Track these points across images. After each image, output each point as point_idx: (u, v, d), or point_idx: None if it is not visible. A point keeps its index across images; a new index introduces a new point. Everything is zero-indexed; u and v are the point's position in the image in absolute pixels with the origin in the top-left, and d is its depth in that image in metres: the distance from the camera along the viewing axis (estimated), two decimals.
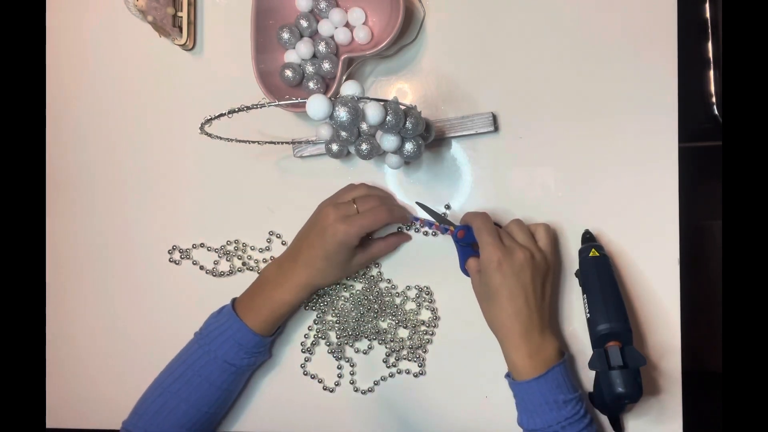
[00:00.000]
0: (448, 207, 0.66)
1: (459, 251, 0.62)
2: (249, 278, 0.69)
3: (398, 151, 0.58)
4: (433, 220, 0.64)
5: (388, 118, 0.53)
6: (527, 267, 0.56)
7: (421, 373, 0.65)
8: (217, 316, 0.64)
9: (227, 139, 0.61)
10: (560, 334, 0.62)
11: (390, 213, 0.61)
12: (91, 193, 0.75)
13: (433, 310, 0.66)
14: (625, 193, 0.62)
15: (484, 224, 0.59)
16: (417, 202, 0.66)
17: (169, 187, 0.73)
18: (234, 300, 0.65)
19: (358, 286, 0.67)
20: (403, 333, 0.66)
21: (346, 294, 0.67)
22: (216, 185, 0.71)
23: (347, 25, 0.67)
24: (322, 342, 0.68)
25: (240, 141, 0.63)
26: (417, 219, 0.65)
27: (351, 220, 0.59)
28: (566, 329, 0.62)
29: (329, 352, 0.67)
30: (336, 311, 0.67)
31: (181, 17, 0.70)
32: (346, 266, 0.63)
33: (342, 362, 0.67)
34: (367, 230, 0.60)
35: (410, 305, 0.66)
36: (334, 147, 0.62)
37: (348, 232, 0.59)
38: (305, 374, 0.68)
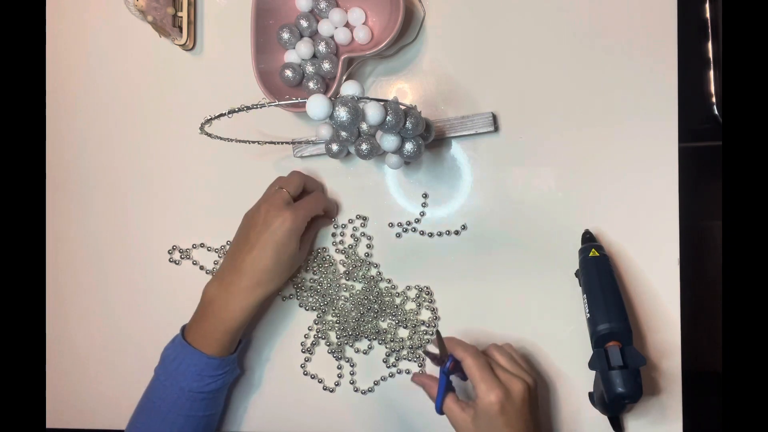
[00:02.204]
0: (425, 196, 0.66)
1: (441, 384, 0.56)
2: None
3: (398, 151, 0.58)
4: (436, 351, 0.57)
5: (388, 118, 0.53)
6: (527, 400, 0.53)
7: (421, 373, 0.65)
8: (172, 348, 0.61)
9: (227, 139, 0.61)
10: (560, 335, 0.62)
11: (324, 197, 0.61)
12: (91, 193, 0.75)
13: (433, 310, 0.66)
14: (625, 193, 0.62)
15: (476, 359, 0.53)
16: (436, 330, 0.62)
17: (169, 187, 0.73)
18: (184, 327, 0.62)
19: (358, 286, 0.67)
20: (403, 333, 0.66)
21: (346, 294, 0.67)
22: (216, 185, 0.71)
23: (347, 25, 0.67)
24: (322, 342, 0.68)
25: (240, 141, 0.63)
26: (427, 353, 0.59)
27: (293, 205, 0.58)
28: (566, 329, 0.62)
29: (329, 352, 0.67)
30: (336, 311, 0.67)
31: (181, 17, 0.70)
32: (294, 260, 0.61)
33: (342, 362, 0.67)
34: (312, 213, 0.59)
35: (410, 305, 0.66)
36: (334, 147, 0.62)
37: (295, 216, 0.58)
38: (305, 374, 0.68)
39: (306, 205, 0.58)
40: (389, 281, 0.67)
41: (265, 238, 0.58)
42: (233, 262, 0.60)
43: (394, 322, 0.66)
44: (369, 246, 0.67)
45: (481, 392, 0.52)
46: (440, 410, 0.56)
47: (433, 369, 0.63)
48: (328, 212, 0.66)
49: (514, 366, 0.55)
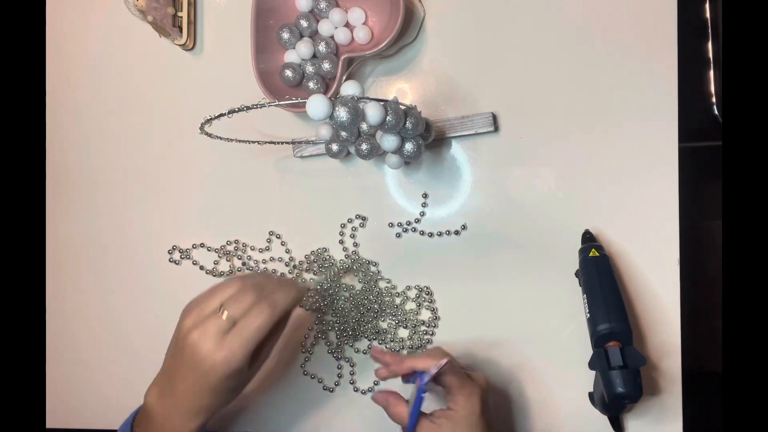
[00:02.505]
0: (425, 196, 0.66)
1: (417, 403, 0.51)
2: None
3: (398, 151, 0.58)
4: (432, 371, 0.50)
5: (388, 118, 0.53)
6: (489, 391, 0.53)
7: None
8: None
9: (227, 139, 0.61)
10: (560, 335, 0.62)
11: (273, 307, 0.48)
12: (91, 193, 0.75)
13: (433, 310, 0.65)
14: (625, 193, 0.62)
15: (453, 367, 0.51)
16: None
17: (169, 187, 0.73)
18: (136, 413, 0.54)
19: (358, 286, 0.67)
20: (403, 333, 0.66)
21: (346, 294, 0.67)
22: (216, 185, 0.71)
23: (347, 25, 0.67)
24: (322, 342, 0.68)
25: (240, 141, 0.63)
26: (422, 374, 0.51)
27: (228, 340, 0.47)
28: (566, 329, 0.62)
29: (329, 352, 0.67)
30: (336, 311, 0.67)
31: (181, 17, 0.70)
32: (242, 385, 0.52)
33: (342, 362, 0.67)
34: (254, 343, 0.47)
35: (410, 305, 0.66)
36: (334, 147, 0.62)
37: (230, 360, 0.47)
38: (305, 374, 0.68)
39: (244, 336, 0.47)
40: (389, 281, 0.67)
41: (200, 380, 0.48)
42: (168, 380, 0.51)
43: (394, 322, 0.66)
44: (369, 246, 0.67)
45: (461, 399, 0.50)
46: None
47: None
48: (290, 304, 0.51)
49: (465, 366, 0.56)
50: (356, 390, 0.67)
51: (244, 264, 0.70)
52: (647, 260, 0.61)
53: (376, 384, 0.66)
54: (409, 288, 0.66)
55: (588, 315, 0.56)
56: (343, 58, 0.63)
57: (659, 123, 0.61)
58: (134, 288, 0.73)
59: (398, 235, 0.67)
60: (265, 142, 0.65)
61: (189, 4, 0.71)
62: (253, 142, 0.64)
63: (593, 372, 0.56)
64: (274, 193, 0.70)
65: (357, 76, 0.68)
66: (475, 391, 0.51)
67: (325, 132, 0.60)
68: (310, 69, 0.66)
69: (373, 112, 0.52)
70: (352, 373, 0.67)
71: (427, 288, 0.66)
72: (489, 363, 0.63)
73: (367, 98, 0.52)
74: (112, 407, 0.73)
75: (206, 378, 0.47)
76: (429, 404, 0.52)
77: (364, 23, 0.66)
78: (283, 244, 0.69)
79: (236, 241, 0.70)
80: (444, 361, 0.50)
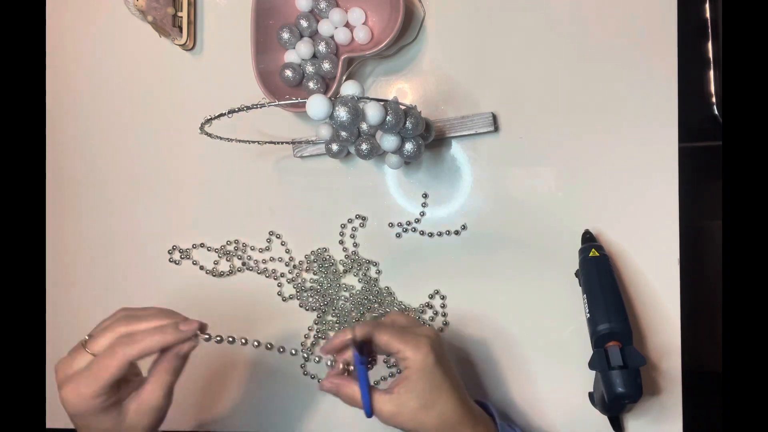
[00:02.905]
0: (425, 196, 0.66)
1: (362, 379, 0.48)
2: (249, 278, 0.69)
3: (398, 151, 0.58)
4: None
5: (388, 118, 0.53)
6: (442, 342, 0.50)
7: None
8: None
9: (227, 139, 0.61)
10: (560, 335, 0.62)
11: (130, 344, 0.42)
12: (91, 193, 0.75)
13: (434, 310, 0.65)
14: (625, 193, 0.62)
15: (386, 327, 0.48)
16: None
17: (169, 187, 0.73)
18: None
19: (358, 287, 0.67)
20: None
21: (346, 294, 0.67)
22: (216, 185, 0.71)
23: (347, 25, 0.67)
24: (322, 342, 0.68)
25: (240, 141, 0.63)
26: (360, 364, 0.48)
27: (75, 378, 0.42)
28: (566, 329, 0.62)
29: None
30: (336, 311, 0.67)
31: (181, 17, 0.70)
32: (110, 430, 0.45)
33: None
34: (103, 382, 0.42)
35: (411, 305, 0.66)
36: (334, 147, 0.62)
37: (73, 400, 0.42)
38: (305, 374, 0.68)
39: (89, 374, 0.42)
40: (389, 281, 0.67)
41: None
42: None
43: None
44: (369, 246, 0.67)
45: (409, 353, 0.47)
46: (371, 411, 0.48)
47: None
48: (157, 344, 0.45)
49: (412, 320, 0.53)
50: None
51: (244, 264, 0.70)
52: (647, 260, 0.61)
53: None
54: (409, 288, 0.66)
55: (588, 315, 0.56)
56: (343, 58, 0.63)
57: (659, 123, 0.61)
58: (134, 288, 0.73)
59: (398, 235, 0.67)
60: (265, 142, 0.65)
61: (189, 4, 0.71)
62: (253, 142, 0.64)
63: (593, 372, 0.56)
64: (274, 193, 0.70)
65: (357, 76, 0.68)
66: (421, 340, 0.48)
67: (325, 132, 0.60)
68: (310, 69, 0.66)
69: (373, 112, 0.52)
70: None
71: (427, 288, 0.65)
72: (488, 362, 0.63)
73: (367, 98, 0.52)
74: None
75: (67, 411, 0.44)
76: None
77: (364, 23, 0.66)
78: (283, 244, 0.69)
79: (236, 241, 0.70)
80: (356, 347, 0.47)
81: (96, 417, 0.43)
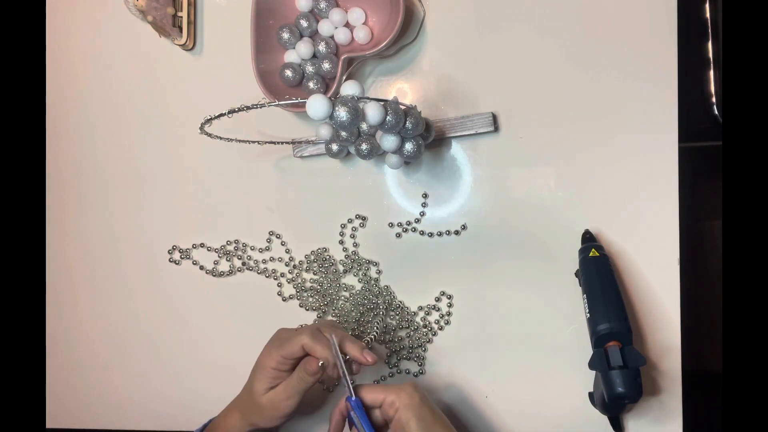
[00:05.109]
0: (425, 196, 0.66)
1: (363, 422, 0.52)
2: (249, 278, 0.69)
3: (398, 151, 0.58)
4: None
5: (388, 118, 0.53)
6: (419, 386, 0.53)
7: (421, 373, 0.65)
8: None
9: (227, 139, 0.61)
10: (560, 335, 0.62)
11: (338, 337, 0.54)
12: (91, 193, 0.75)
13: (434, 310, 0.65)
14: (625, 193, 0.62)
15: (370, 385, 0.54)
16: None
17: (169, 187, 0.73)
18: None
19: (358, 287, 0.67)
20: (403, 333, 0.66)
21: (346, 294, 0.67)
22: (216, 185, 0.71)
23: (347, 25, 0.67)
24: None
25: (240, 141, 0.63)
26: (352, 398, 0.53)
27: (275, 345, 0.56)
28: (566, 329, 0.62)
29: None
30: (336, 311, 0.67)
31: (181, 17, 0.70)
32: (255, 396, 0.56)
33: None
34: (282, 354, 0.54)
35: (411, 306, 0.66)
36: (334, 147, 0.62)
37: (264, 354, 0.56)
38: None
39: (282, 349, 0.54)
40: (389, 281, 0.67)
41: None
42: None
43: (394, 322, 0.66)
44: (369, 246, 0.67)
45: (393, 397, 0.51)
46: None
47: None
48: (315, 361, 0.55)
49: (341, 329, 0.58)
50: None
51: (244, 264, 0.70)
52: (647, 260, 0.61)
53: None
54: (410, 288, 0.66)
55: (588, 315, 0.56)
56: (343, 58, 0.63)
57: (659, 123, 0.61)
58: (134, 288, 0.73)
59: (398, 235, 0.67)
60: (265, 142, 0.65)
61: (189, 4, 0.71)
62: (253, 142, 0.64)
63: (593, 372, 0.56)
64: (274, 193, 0.70)
65: (357, 76, 0.68)
66: (402, 385, 0.52)
67: (325, 132, 0.60)
68: (310, 69, 0.66)
69: (373, 112, 0.52)
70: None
71: (426, 288, 0.65)
72: (488, 362, 0.63)
73: (367, 98, 0.52)
74: (112, 407, 0.73)
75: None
76: None
77: (364, 23, 0.66)
78: (283, 244, 0.69)
79: (236, 241, 0.70)
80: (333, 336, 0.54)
81: (259, 375, 0.55)
